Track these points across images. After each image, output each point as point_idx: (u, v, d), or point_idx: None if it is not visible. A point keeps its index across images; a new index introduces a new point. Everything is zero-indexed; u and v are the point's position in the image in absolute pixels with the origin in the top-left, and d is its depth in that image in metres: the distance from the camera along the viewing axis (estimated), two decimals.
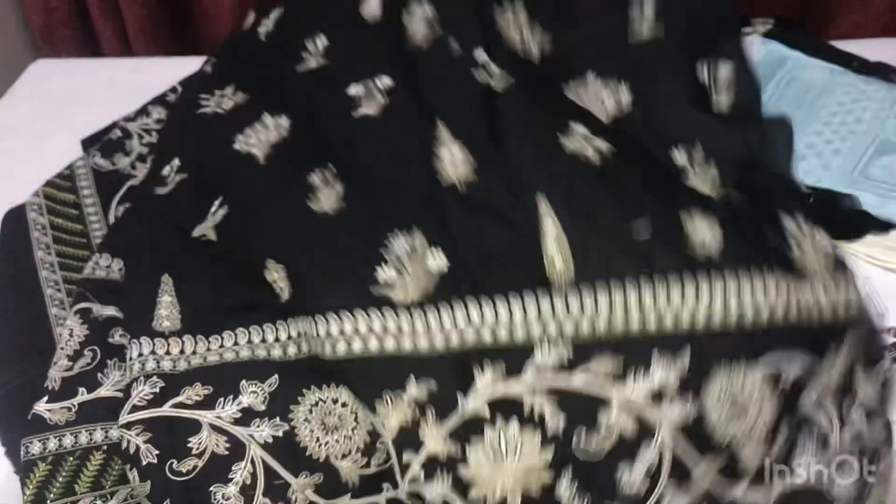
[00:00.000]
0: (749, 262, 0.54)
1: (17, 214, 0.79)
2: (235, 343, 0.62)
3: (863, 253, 0.72)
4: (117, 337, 0.65)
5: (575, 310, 0.55)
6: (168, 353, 0.62)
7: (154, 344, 0.62)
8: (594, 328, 0.54)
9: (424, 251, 0.59)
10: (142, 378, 0.60)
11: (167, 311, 0.65)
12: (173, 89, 1.01)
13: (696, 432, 0.51)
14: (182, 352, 0.62)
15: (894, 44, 1.10)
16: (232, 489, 0.55)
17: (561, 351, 0.54)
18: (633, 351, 0.53)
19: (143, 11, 1.17)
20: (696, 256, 0.55)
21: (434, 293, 0.58)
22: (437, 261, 0.59)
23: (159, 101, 0.98)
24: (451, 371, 0.55)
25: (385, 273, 0.59)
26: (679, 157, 0.64)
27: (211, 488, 0.55)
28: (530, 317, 0.55)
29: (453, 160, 0.63)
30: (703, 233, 0.57)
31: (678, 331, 0.53)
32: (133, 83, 1.05)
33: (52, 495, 0.55)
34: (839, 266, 0.58)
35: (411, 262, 0.59)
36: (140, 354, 0.61)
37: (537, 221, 0.58)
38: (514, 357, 0.54)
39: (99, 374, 0.62)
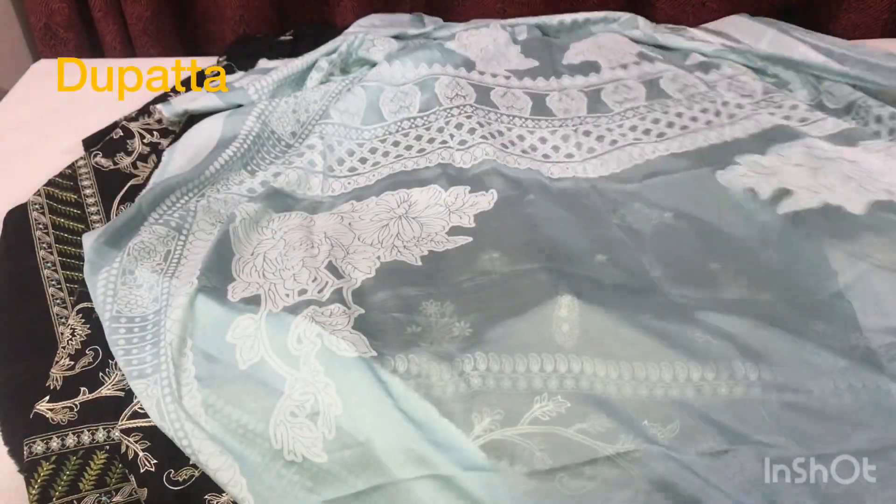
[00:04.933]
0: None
1: (19, 214, 0.79)
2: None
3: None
4: None
5: (576, 369, 0.60)
6: None
7: None
8: (592, 386, 0.59)
9: (451, 321, 0.65)
10: None
11: None
12: (174, 89, 1.02)
13: (673, 484, 0.55)
14: None
15: (894, 44, 1.10)
16: (225, 499, 0.55)
17: (559, 405, 0.57)
18: (625, 414, 0.57)
19: (145, 13, 1.17)
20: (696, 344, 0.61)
21: (453, 348, 0.62)
22: (461, 328, 0.64)
23: (161, 101, 0.98)
24: (457, 415, 0.57)
25: (412, 329, 0.64)
26: None
27: (206, 496, 0.55)
28: (533, 369, 0.59)
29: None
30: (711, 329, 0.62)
31: (669, 399, 0.58)
32: (133, 83, 1.05)
33: (56, 493, 0.55)
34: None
35: (437, 325, 0.65)
36: None
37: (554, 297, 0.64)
38: (513, 407, 0.58)
39: (100, 374, 0.62)
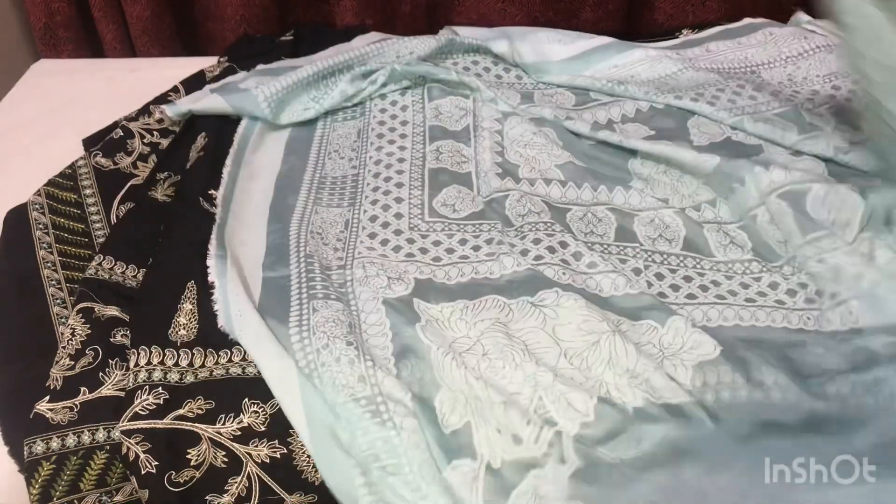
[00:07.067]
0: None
1: (19, 214, 0.79)
2: (243, 359, 0.63)
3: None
4: (119, 337, 0.66)
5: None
6: (177, 364, 0.62)
7: (164, 354, 0.63)
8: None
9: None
10: (147, 387, 0.60)
11: (186, 319, 0.66)
12: (174, 89, 1.02)
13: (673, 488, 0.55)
14: (191, 364, 0.63)
15: None
16: (227, 499, 0.55)
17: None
18: (627, 416, 0.58)
19: (145, 13, 1.17)
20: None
21: None
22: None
23: (161, 101, 0.98)
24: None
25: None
26: None
27: (206, 497, 0.55)
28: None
29: None
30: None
31: (668, 404, 0.58)
32: (133, 83, 1.05)
33: (57, 493, 0.55)
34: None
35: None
36: (149, 363, 0.62)
37: None
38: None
39: (101, 374, 0.62)
